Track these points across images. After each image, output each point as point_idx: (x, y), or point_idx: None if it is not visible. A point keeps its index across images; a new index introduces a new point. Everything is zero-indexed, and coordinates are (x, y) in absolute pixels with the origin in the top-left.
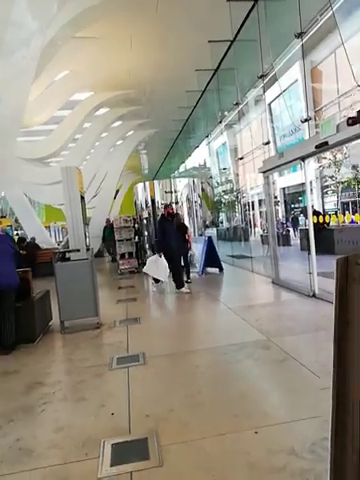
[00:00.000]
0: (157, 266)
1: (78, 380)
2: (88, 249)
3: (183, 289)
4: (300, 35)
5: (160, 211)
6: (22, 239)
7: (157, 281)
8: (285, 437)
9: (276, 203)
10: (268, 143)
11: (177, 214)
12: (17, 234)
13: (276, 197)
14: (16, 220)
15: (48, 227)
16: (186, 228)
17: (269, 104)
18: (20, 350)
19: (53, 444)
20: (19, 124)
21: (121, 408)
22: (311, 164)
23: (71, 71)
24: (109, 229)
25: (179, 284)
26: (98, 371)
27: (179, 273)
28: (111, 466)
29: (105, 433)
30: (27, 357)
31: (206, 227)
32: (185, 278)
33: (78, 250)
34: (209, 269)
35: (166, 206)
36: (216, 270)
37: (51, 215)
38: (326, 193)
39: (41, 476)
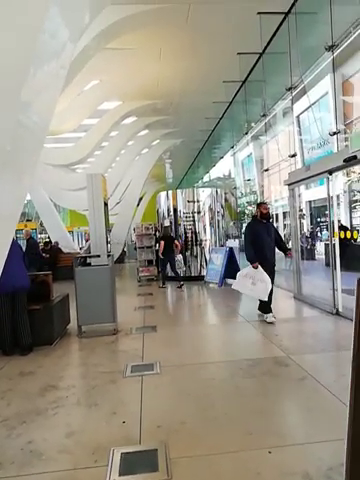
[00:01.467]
0: (253, 281)
1: (92, 385)
2: (109, 255)
3: (269, 316)
4: (331, 48)
5: (182, 220)
6: (46, 243)
7: (265, 310)
8: (300, 459)
9: (301, 216)
10: (295, 155)
11: (166, 227)
12: (48, 238)
13: (302, 210)
14: (41, 224)
15: (71, 232)
16: (174, 239)
17: (297, 116)
18: (37, 352)
19: (63, 448)
20: (46, 130)
21: (133, 417)
22: (339, 178)
23: (101, 81)
24: None
25: (265, 308)
26: (112, 377)
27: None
28: (119, 475)
29: (115, 441)
30: (43, 359)
31: (227, 238)
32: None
33: (98, 256)
34: (229, 280)
35: (259, 204)
36: None
37: (75, 220)
38: (355, 208)
39: None
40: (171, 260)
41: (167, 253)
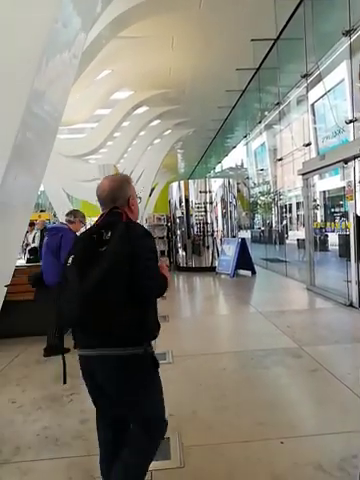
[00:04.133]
0: None
1: None
2: None
3: None
4: (348, 33)
5: (194, 211)
6: None
7: None
8: (312, 450)
9: (315, 207)
10: (309, 144)
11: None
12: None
13: (315, 200)
14: (54, 214)
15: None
16: None
17: (312, 104)
18: None
19: (78, 435)
20: (59, 121)
21: None
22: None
23: (113, 70)
24: None
25: None
26: None
27: None
28: None
29: None
30: None
31: (240, 229)
32: None
33: None
34: (241, 271)
35: None
36: (248, 273)
37: (88, 211)
38: None
39: (65, 465)
40: None
41: None
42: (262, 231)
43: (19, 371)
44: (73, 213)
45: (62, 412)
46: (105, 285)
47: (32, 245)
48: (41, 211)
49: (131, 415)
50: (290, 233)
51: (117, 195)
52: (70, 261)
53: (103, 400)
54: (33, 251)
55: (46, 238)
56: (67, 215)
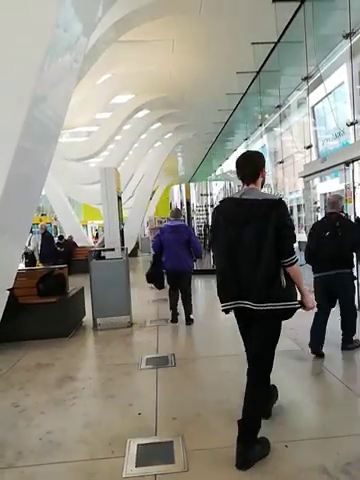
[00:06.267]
0: None
1: (107, 377)
2: (123, 248)
3: None
4: (349, 36)
5: (195, 214)
6: (61, 236)
7: None
8: (317, 454)
9: (316, 209)
10: (310, 147)
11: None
12: (70, 237)
13: (316, 203)
14: (55, 218)
15: (85, 225)
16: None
17: (312, 107)
18: (54, 344)
19: (81, 439)
20: (61, 125)
21: (148, 409)
22: (356, 169)
23: (113, 74)
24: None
25: None
26: (127, 370)
27: None
28: (136, 466)
29: (131, 432)
30: (60, 351)
31: None
32: None
33: (113, 249)
34: None
35: None
36: None
37: (89, 214)
38: None
39: (68, 470)
40: None
41: None
42: None
43: (21, 375)
44: (180, 214)
45: (65, 416)
46: (345, 244)
47: (28, 248)
48: (42, 215)
49: (344, 299)
50: None
51: (339, 204)
52: (327, 234)
53: (327, 300)
54: (27, 255)
55: (171, 234)
56: (178, 217)
